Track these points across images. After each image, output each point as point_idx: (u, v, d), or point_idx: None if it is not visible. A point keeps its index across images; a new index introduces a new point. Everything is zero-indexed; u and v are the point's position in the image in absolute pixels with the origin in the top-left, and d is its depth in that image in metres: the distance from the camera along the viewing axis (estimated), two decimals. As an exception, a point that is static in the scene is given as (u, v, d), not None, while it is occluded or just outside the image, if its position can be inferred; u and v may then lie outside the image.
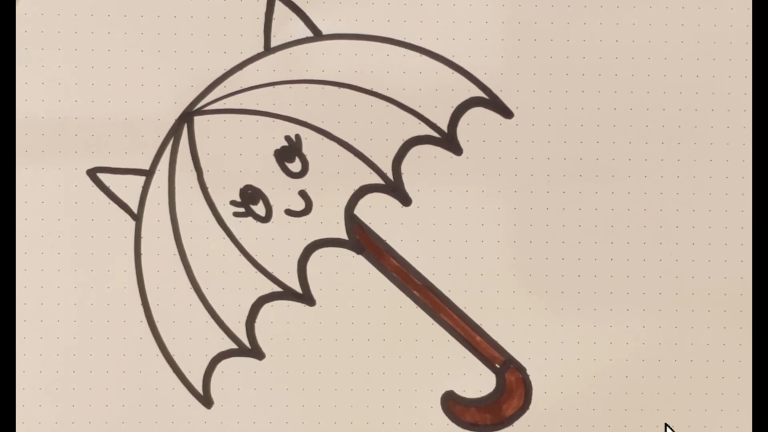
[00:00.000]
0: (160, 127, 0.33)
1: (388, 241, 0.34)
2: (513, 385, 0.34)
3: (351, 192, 0.34)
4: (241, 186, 0.34)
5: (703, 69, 0.33)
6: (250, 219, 0.34)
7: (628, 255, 0.34)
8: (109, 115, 0.33)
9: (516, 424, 0.34)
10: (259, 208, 0.34)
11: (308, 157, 0.34)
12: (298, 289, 0.34)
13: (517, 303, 0.34)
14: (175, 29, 0.33)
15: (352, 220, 0.34)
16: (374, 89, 0.33)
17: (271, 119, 0.33)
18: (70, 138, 0.33)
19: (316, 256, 0.34)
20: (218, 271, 0.34)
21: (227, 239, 0.34)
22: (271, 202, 0.34)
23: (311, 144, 0.34)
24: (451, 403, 0.34)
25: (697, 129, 0.33)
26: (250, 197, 0.34)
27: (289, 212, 0.34)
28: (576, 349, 0.34)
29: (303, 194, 0.34)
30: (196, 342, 0.34)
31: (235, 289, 0.34)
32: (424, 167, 0.34)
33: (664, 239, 0.34)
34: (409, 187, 0.34)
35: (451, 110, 0.34)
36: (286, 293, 0.34)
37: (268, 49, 0.33)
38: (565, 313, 0.34)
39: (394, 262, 0.34)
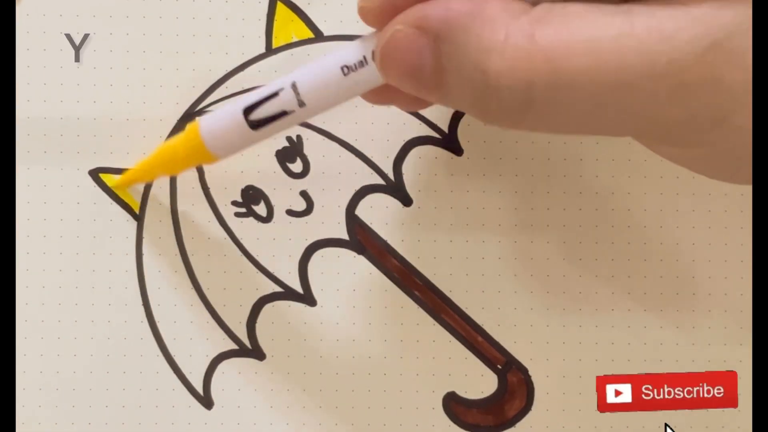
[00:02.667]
0: (162, 128, 0.33)
1: (390, 242, 0.34)
2: (515, 386, 0.34)
3: (352, 192, 0.34)
4: (243, 186, 0.34)
5: (701, 70, 0.34)
6: (251, 219, 0.34)
7: (629, 255, 0.34)
8: (111, 115, 0.33)
9: (518, 425, 0.34)
10: (261, 209, 0.34)
11: (309, 158, 0.34)
12: (299, 289, 0.34)
13: (518, 303, 0.34)
14: (177, 30, 0.33)
15: (353, 221, 0.34)
16: (375, 90, 0.33)
17: (273, 120, 0.33)
18: (71, 138, 0.33)
19: (317, 256, 0.34)
20: (219, 271, 0.34)
21: (228, 240, 0.34)
22: (273, 202, 0.34)
23: (312, 144, 0.34)
24: (453, 404, 0.34)
25: (696, 130, 0.33)
26: (251, 198, 0.34)
27: (291, 212, 0.34)
28: (578, 349, 0.34)
29: (304, 194, 0.34)
30: (197, 342, 0.34)
31: (236, 290, 0.34)
32: (425, 168, 0.34)
33: (665, 239, 0.34)
34: (410, 188, 0.34)
35: (452, 111, 0.34)
36: (287, 293, 0.34)
37: (270, 50, 0.33)
38: (567, 313, 0.34)
39: (396, 262, 0.34)
